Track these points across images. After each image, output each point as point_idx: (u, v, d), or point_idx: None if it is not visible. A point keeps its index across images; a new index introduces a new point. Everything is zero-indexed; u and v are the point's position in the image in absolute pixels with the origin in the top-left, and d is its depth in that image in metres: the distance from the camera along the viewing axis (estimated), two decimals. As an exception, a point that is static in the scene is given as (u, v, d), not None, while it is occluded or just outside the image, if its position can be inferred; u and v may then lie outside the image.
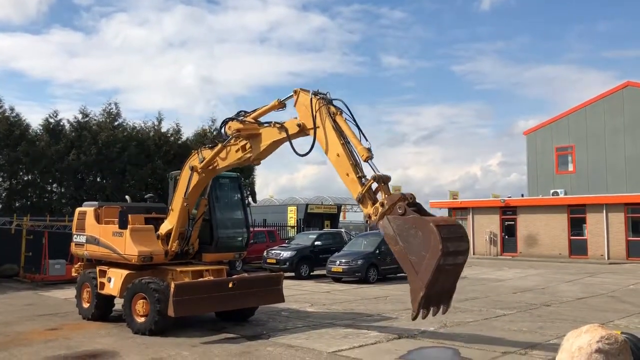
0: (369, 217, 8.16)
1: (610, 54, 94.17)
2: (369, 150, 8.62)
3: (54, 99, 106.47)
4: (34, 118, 78.71)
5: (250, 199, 14.33)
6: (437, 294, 7.55)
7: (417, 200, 8.07)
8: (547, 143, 37.89)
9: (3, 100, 27.95)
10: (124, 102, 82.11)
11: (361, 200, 8.36)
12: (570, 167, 36.83)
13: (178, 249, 11.57)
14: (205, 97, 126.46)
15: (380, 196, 8.29)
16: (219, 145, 10.75)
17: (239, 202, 12.97)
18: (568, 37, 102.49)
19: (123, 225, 11.46)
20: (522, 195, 37.16)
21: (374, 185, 8.37)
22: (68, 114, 58.65)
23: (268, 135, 10.07)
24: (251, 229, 13.46)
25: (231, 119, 10.49)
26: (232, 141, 10.55)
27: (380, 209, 7.97)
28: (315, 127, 9.13)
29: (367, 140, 8.81)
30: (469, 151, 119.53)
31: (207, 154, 10.97)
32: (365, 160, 8.60)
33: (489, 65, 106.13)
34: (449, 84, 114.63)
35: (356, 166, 8.63)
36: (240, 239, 12.59)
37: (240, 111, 10.56)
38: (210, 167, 11.06)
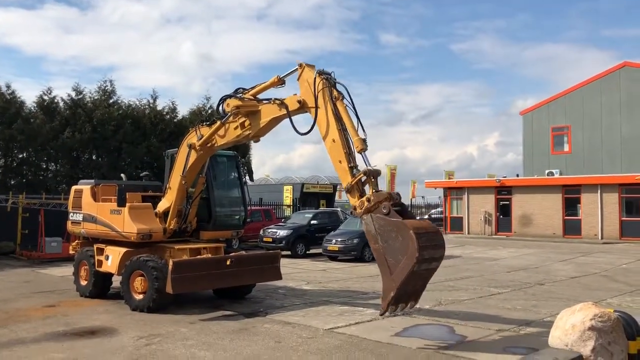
0: (355, 208, 8.26)
1: (610, 33, 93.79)
2: (364, 141, 8.58)
3: (49, 76, 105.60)
4: (29, 95, 78.27)
5: (247, 177, 14.39)
6: (406, 294, 7.86)
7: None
8: (543, 123, 37.89)
9: (-3, 77, 27.70)
10: (120, 80, 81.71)
11: (349, 191, 8.45)
12: (566, 148, 36.90)
13: (176, 227, 11.60)
14: (203, 75, 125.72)
15: (368, 190, 8.35)
16: (218, 123, 10.71)
17: (236, 180, 12.99)
18: (570, 14, 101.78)
19: (121, 202, 11.48)
20: (517, 175, 37.29)
21: (364, 178, 8.41)
22: (63, 92, 58.26)
23: (268, 112, 10.02)
24: (248, 207, 13.49)
25: (229, 96, 10.42)
26: (230, 118, 10.50)
27: (366, 204, 8.05)
28: (316, 107, 9.06)
29: (364, 131, 8.75)
30: (466, 131, 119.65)
31: (205, 131, 10.92)
32: (359, 152, 8.58)
33: (488, 44, 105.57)
34: (448, 62, 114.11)
35: (349, 155, 8.63)
36: (237, 217, 12.64)
37: (239, 88, 10.49)
38: (209, 145, 11.03)
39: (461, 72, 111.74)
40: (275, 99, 9.90)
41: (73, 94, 28.71)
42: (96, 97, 29.47)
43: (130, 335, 8.71)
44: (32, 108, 27.33)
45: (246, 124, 10.31)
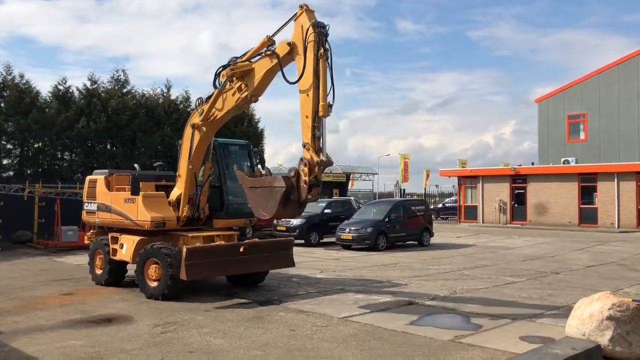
0: (302, 160, 8.84)
1: (631, 18, 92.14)
2: (330, 107, 8.91)
3: (65, 66, 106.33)
4: (45, 85, 78.89)
5: (259, 166, 14.36)
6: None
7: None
8: (559, 111, 37.42)
9: (12, 67, 27.90)
10: (135, 69, 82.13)
11: (305, 147, 8.89)
12: (582, 136, 36.44)
13: (189, 214, 11.63)
14: (219, 64, 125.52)
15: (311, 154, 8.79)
16: (215, 92, 10.72)
17: (249, 169, 12.96)
18: (589, 0, 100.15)
19: (135, 191, 11.54)
20: (533, 164, 36.94)
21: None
22: (78, 81, 58.59)
23: (261, 67, 10.03)
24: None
25: (223, 67, 10.51)
26: (227, 86, 10.52)
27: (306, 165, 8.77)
28: (305, 55, 9.08)
29: (334, 97, 9.05)
30: (482, 119, 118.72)
31: (206, 106, 10.97)
32: (322, 116, 8.85)
33: (506, 30, 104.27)
34: (465, 50, 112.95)
35: (316, 113, 8.87)
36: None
37: (232, 57, 10.56)
38: (211, 119, 11.01)
39: (478, 60, 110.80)
40: (266, 50, 9.92)
41: (88, 83, 28.88)
42: (110, 87, 29.60)
43: (146, 323, 8.77)
44: (47, 98, 27.52)
45: (242, 86, 10.31)
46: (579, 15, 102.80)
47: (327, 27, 9.20)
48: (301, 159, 8.87)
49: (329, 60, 9.07)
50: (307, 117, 8.91)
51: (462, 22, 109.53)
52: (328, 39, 9.15)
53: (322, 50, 9.01)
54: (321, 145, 8.86)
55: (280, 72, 9.57)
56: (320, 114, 8.83)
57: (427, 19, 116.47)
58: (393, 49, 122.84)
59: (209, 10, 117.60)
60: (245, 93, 10.29)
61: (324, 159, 8.80)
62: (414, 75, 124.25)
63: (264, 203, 9.25)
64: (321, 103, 8.83)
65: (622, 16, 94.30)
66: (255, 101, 10.71)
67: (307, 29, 9.05)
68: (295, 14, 9.49)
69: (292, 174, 8.95)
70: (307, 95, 8.94)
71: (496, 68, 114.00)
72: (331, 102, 8.97)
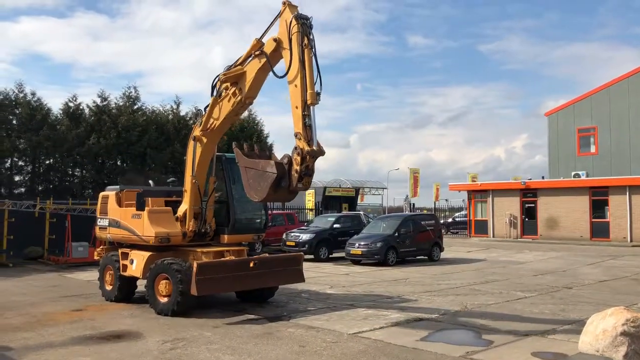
0: (295, 149, 8.88)
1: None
2: (317, 95, 9.03)
3: (77, 83, 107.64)
4: (58, 102, 79.90)
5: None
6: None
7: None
8: (569, 124, 37.27)
9: (25, 84, 28.27)
10: (147, 86, 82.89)
11: (297, 136, 8.98)
12: (593, 149, 36.23)
13: (195, 229, 11.66)
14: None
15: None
16: (211, 100, 10.86)
17: None
18: (600, 12, 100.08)
19: (140, 206, 11.63)
20: (543, 177, 36.74)
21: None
22: (90, 98, 59.22)
23: (252, 68, 10.19)
24: (269, 211, 13.47)
25: (218, 76, 10.72)
26: (223, 93, 10.69)
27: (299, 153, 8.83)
28: (291, 48, 9.24)
29: (321, 85, 9.17)
30: (493, 133, 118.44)
31: (204, 117, 11.11)
32: (310, 104, 8.95)
33: (516, 44, 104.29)
34: (476, 64, 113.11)
35: (304, 103, 8.99)
36: (258, 220, 12.60)
37: (226, 66, 10.75)
38: (210, 128, 11.08)
39: (489, 74, 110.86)
40: (255, 52, 10.09)
41: (98, 100, 29.19)
42: (121, 104, 29.88)
43: (155, 340, 8.76)
44: (58, 115, 27.82)
45: (237, 91, 10.46)
46: (589, 27, 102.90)
47: (310, 19, 9.41)
48: (295, 148, 8.94)
49: (314, 50, 9.24)
50: (297, 107, 9.04)
51: (472, 36, 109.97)
52: (312, 30, 9.33)
53: (306, 40, 9.20)
54: (313, 134, 8.90)
55: (271, 70, 9.80)
56: (309, 102, 8.94)
57: (437, 33, 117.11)
58: (403, 63, 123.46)
59: (221, 26, 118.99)
60: (240, 97, 10.43)
61: (315, 148, 8.84)
62: (425, 90, 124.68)
63: (255, 185, 9.33)
64: (309, 91, 8.96)
65: (634, 28, 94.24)
66: (250, 103, 10.83)
67: (291, 22, 9.27)
68: (280, 11, 9.69)
69: (285, 160, 9.06)
70: (296, 86, 9.10)
71: (507, 81, 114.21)
72: (319, 90, 9.10)
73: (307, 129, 8.93)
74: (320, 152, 8.96)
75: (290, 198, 9.82)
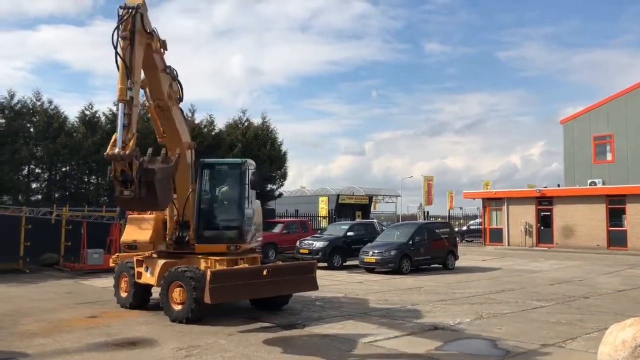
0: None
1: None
2: (129, 90, 8.37)
3: (94, 90, 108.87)
4: (75, 110, 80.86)
5: (275, 187, 14.21)
6: None
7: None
8: (585, 132, 36.92)
9: (42, 93, 28.62)
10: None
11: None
12: (609, 157, 35.84)
13: (172, 236, 11.85)
14: (250, 88, 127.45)
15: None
16: None
17: (236, 190, 12.20)
18: (621, 18, 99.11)
19: (121, 215, 11.99)
20: (559, 185, 36.39)
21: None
22: (105, 106, 59.88)
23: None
24: (284, 219, 13.42)
25: None
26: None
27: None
28: (133, 41, 8.71)
29: (133, 80, 8.49)
30: (510, 140, 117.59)
31: None
32: (117, 100, 8.38)
33: (534, 50, 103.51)
34: (492, 71, 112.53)
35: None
36: (232, 230, 11.93)
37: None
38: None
39: (505, 80, 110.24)
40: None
41: (114, 108, 29.42)
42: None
43: (170, 347, 8.77)
44: (75, 123, 28.12)
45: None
46: (610, 33, 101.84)
47: (137, 7, 8.72)
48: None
49: (132, 42, 8.61)
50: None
51: (489, 42, 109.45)
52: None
53: (126, 32, 8.57)
54: (119, 135, 8.06)
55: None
56: (117, 97, 8.39)
57: (454, 39, 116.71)
58: (419, 70, 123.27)
59: (239, 34, 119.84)
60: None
61: (117, 151, 7.91)
62: (440, 97, 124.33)
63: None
64: (118, 86, 8.38)
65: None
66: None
67: (118, 12, 8.67)
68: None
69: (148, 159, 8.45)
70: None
71: (524, 88, 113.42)
72: (130, 86, 8.38)
73: (124, 130, 8.16)
74: (122, 157, 7.89)
75: (136, 205, 8.90)
